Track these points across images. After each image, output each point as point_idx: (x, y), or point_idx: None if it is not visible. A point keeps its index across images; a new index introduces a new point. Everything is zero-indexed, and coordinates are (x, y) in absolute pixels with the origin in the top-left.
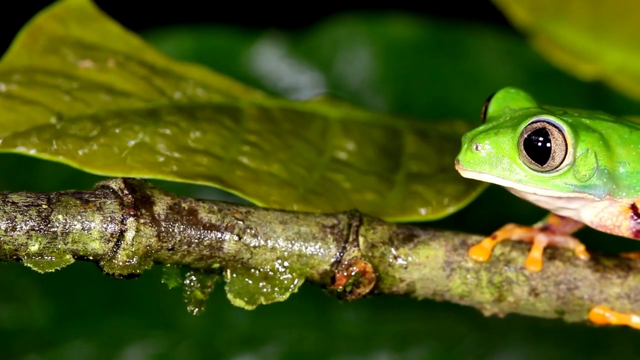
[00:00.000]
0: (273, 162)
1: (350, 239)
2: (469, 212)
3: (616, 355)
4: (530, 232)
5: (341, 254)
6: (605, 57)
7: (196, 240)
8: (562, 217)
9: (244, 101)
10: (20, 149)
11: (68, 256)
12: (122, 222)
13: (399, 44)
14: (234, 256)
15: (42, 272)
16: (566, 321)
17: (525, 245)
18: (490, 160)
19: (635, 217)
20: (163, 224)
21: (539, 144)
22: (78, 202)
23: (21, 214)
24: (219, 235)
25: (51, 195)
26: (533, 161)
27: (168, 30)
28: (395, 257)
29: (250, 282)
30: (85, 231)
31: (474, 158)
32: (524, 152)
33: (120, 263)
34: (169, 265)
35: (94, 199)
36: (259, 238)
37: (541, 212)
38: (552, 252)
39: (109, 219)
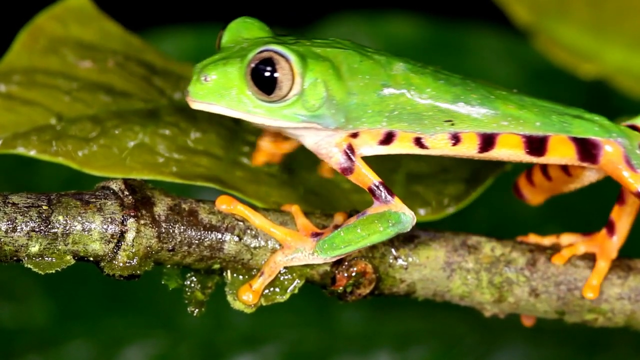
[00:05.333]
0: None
1: None
2: (469, 212)
3: (616, 356)
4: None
5: None
6: (606, 57)
7: (196, 241)
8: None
9: None
10: (21, 150)
11: (68, 257)
12: (122, 223)
13: (400, 43)
14: (234, 257)
15: (42, 273)
16: (566, 321)
17: (526, 246)
18: (219, 91)
19: (347, 154)
20: (163, 224)
21: (266, 73)
22: (78, 203)
23: (22, 215)
24: (220, 236)
25: (51, 196)
26: (260, 91)
27: (168, 29)
28: (396, 258)
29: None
30: (86, 232)
31: (203, 89)
32: (252, 82)
33: (121, 264)
34: (169, 266)
35: (94, 200)
36: (259, 239)
37: (548, 212)
38: (552, 253)
39: (110, 220)
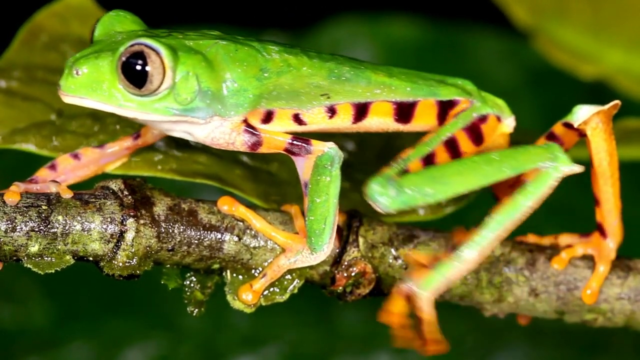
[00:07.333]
0: (272, 161)
1: (350, 239)
2: (468, 212)
3: (616, 356)
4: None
5: (341, 255)
6: (606, 58)
7: (196, 241)
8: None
9: None
10: (22, 146)
11: (68, 257)
12: (122, 223)
13: (400, 44)
14: (234, 257)
15: (42, 273)
16: (566, 321)
17: (525, 246)
18: (91, 85)
19: (249, 131)
20: (163, 224)
21: (137, 67)
22: (78, 202)
23: (21, 215)
24: (219, 235)
25: (51, 196)
26: (131, 85)
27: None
28: (395, 258)
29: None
30: (85, 232)
31: (74, 83)
32: (122, 75)
33: (120, 264)
34: (169, 266)
35: (93, 199)
36: (258, 238)
37: (546, 212)
38: (551, 253)
39: (109, 219)
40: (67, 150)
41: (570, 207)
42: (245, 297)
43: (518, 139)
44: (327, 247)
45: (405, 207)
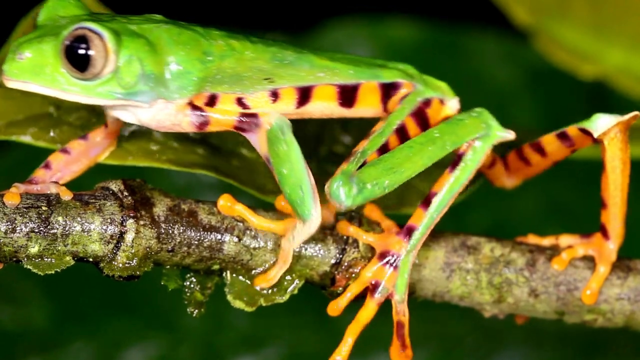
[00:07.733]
0: None
1: (350, 240)
2: (468, 212)
3: (616, 356)
4: None
5: (341, 256)
6: (606, 58)
7: (196, 242)
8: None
9: None
10: (17, 137)
11: (68, 258)
12: (121, 223)
13: (399, 46)
14: (234, 257)
15: (42, 274)
16: (566, 322)
17: (525, 246)
18: (35, 69)
19: (195, 111)
20: (163, 225)
21: (80, 51)
22: (78, 203)
23: (21, 216)
24: (219, 236)
25: (51, 197)
26: (74, 69)
27: None
28: None
29: (250, 283)
30: (85, 233)
31: (18, 67)
32: (66, 59)
33: (120, 265)
34: (168, 266)
35: (93, 200)
36: (258, 239)
37: (547, 212)
38: (551, 254)
39: (109, 220)
40: (64, 142)
41: (571, 208)
42: (261, 285)
43: (520, 138)
44: (315, 211)
45: (365, 202)
